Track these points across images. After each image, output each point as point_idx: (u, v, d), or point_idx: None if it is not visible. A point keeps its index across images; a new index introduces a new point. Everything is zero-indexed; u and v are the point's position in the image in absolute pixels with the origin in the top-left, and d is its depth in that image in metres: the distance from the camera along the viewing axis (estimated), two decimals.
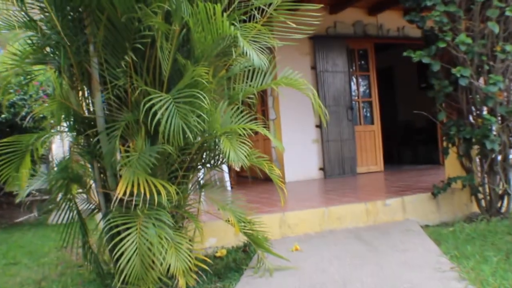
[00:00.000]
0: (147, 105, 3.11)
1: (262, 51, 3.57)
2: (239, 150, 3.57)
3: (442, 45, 5.28)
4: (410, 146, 13.03)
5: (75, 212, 4.09)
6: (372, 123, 10.37)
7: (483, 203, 5.97)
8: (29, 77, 4.34)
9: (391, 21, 10.35)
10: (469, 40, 5.10)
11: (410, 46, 11.75)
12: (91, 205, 4.18)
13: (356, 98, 10.28)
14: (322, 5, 3.86)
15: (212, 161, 4.23)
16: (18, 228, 7.82)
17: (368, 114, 10.47)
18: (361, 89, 10.51)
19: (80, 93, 3.91)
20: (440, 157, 11.03)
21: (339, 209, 5.61)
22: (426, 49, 5.58)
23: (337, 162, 9.54)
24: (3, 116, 7.87)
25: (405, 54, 5.58)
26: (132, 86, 3.54)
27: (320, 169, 9.56)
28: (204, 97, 3.17)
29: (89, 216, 4.21)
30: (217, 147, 4.12)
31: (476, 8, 5.30)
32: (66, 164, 4.00)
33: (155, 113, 3.20)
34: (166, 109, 3.18)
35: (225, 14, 3.91)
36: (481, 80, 5.72)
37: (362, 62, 10.53)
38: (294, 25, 3.97)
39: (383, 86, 10.77)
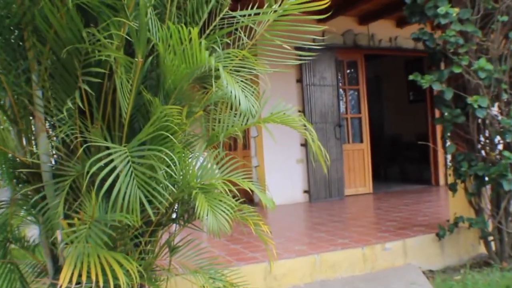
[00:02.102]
0: (93, 168, 2.29)
1: (248, 85, 2.81)
2: (219, 211, 2.79)
3: (457, 70, 4.54)
4: (398, 162, 12.36)
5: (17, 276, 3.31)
6: (361, 141, 9.63)
7: (493, 246, 5.27)
8: None
9: (383, 31, 9.64)
10: (489, 66, 4.37)
11: (402, 58, 11.19)
12: (36, 268, 3.39)
13: (345, 114, 9.52)
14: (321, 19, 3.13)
15: (186, 215, 3.43)
16: None
17: (357, 132, 9.72)
18: (350, 104, 9.75)
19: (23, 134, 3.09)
20: (432, 177, 10.39)
21: (333, 256, 4.85)
22: (435, 72, 4.84)
23: (324, 184, 8.76)
24: None
25: (411, 77, 4.83)
26: (83, 132, 2.72)
27: (305, 191, 8.78)
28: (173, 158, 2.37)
29: (36, 279, 3.41)
30: (191, 198, 3.34)
31: (497, 28, 4.58)
32: (4, 221, 3.19)
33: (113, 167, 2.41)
34: (123, 167, 2.37)
35: (203, 39, 3.15)
36: (495, 107, 5.05)
37: (352, 74, 9.79)
38: (288, 48, 3.23)
39: (369, 98, 10.00)
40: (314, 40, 8.34)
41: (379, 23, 9.43)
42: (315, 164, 8.54)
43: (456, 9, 4.48)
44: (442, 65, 5.36)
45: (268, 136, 8.52)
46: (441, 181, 10.23)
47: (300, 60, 3.49)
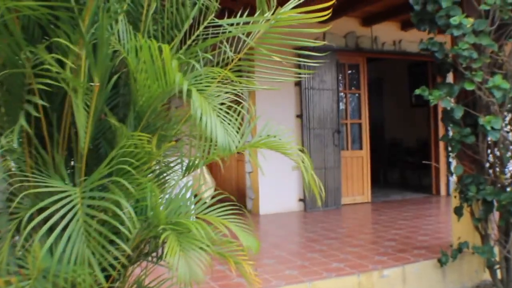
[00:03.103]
0: (36, 220, 1.88)
1: (230, 113, 2.39)
2: (193, 257, 2.38)
3: (469, 87, 4.12)
4: (397, 169, 11.94)
5: None
6: (361, 148, 9.19)
7: (498, 273, 4.86)
8: None
9: (387, 34, 9.19)
10: (506, 85, 3.94)
11: (405, 60, 10.77)
12: None
13: (344, 119, 9.08)
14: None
15: (160, 250, 3.02)
16: None
17: (357, 138, 9.28)
18: (350, 108, 9.31)
19: None
20: (433, 185, 9.96)
21: (326, 285, 4.46)
22: (444, 87, 4.42)
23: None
24: None
25: (417, 92, 4.41)
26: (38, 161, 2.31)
27: (300, 200, 8.37)
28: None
29: None
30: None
31: None
32: None
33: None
34: (73, 215, 1.96)
35: (182, 51, 2.74)
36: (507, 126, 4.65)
37: (353, 78, 9.35)
38: (284, 63, 2.83)
39: (370, 100, 9.54)
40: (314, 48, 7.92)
41: (383, 25, 8.99)
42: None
43: (471, 20, 4.05)
44: (449, 76, 4.97)
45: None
46: (442, 190, 9.81)
47: (299, 76, 3.08)
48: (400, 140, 12.08)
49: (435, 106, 9.68)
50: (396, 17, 8.64)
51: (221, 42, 2.84)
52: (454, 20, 4.00)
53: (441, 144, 9.55)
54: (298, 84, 8.25)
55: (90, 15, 1.95)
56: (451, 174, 4.83)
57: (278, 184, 8.14)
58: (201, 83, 2.45)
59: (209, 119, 2.03)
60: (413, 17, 4.71)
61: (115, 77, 2.34)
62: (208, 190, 7.51)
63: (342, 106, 9.03)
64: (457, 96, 4.58)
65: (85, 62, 2.12)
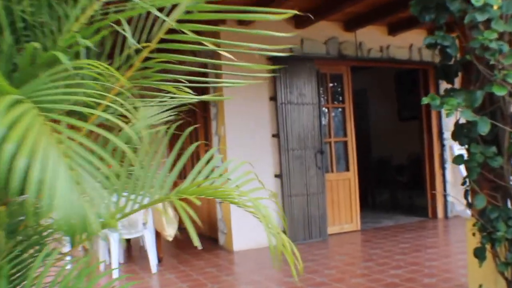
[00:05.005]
0: None
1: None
2: None
3: (500, 92, 3.03)
4: (387, 189, 10.85)
5: None
6: (347, 169, 8.07)
7: None
8: None
9: (373, 39, 8.11)
10: None
11: (392, 68, 9.77)
12: None
13: (328, 137, 7.97)
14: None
15: None
16: None
17: (342, 158, 8.17)
18: (334, 125, 8.17)
19: None
20: (429, 208, 8.89)
21: None
22: (461, 93, 3.33)
23: (302, 222, 7.19)
24: None
25: (425, 101, 3.32)
26: None
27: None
28: None
29: None
30: None
31: None
32: None
33: None
34: None
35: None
36: None
37: (336, 90, 8.26)
38: (232, 57, 1.74)
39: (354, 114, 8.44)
40: (291, 49, 6.87)
41: (368, 30, 7.90)
42: (291, 199, 7.05)
43: (498, 0, 2.98)
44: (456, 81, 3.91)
45: (236, 162, 6.96)
46: (439, 212, 8.72)
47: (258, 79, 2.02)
48: (389, 158, 11.02)
49: (428, 119, 8.69)
50: (383, 20, 7.60)
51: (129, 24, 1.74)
52: (477, 1, 2.92)
53: (437, 161, 8.54)
54: (273, 98, 7.14)
55: None
56: (469, 206, 3.75)
57: (253, 215, 6.97)
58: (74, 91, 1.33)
59: (35, 161, 0.90)
60: (413, 5, 3.62)
61: None
62: (170, 227, 6.38)
63: (324, 122, 7.91)
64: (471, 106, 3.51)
65: None
